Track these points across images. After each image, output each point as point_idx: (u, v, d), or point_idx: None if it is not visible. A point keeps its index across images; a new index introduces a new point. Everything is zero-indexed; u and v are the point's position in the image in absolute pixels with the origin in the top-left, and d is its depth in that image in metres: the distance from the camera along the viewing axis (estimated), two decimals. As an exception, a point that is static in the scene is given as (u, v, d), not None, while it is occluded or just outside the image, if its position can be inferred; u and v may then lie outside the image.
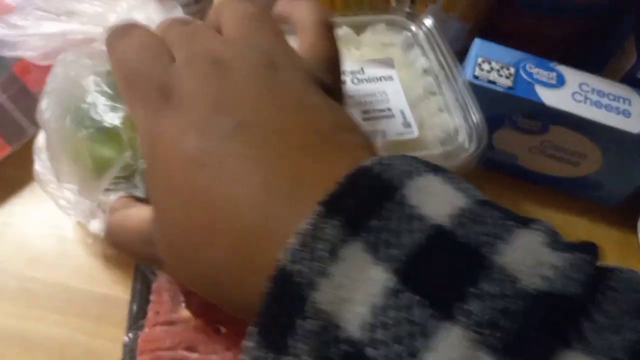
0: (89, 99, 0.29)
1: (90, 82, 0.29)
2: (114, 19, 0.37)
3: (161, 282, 0.35)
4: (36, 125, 0.40)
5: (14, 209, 0.40)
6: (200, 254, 0.20)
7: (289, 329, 0.16)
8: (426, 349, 0.14)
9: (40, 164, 0.35)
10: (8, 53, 0.39)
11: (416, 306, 0.15)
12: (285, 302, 0.16)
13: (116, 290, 0.37)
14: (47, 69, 0.42)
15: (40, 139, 0.35)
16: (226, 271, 0.19)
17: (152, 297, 0.35)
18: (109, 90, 0.29)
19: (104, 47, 0.27)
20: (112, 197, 0.31)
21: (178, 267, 0.22)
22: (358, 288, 0.16)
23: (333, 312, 0.16)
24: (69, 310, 0.37)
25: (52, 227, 0.39)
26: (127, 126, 0.29)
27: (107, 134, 0.29)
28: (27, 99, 0.42)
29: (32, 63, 0.41)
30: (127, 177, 0.30)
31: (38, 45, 0.38)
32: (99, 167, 0.29)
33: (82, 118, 0.29)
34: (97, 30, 0.37)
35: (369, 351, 0.15)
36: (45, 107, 0.30)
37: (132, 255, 0.29)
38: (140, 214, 0.25)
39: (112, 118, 0.28)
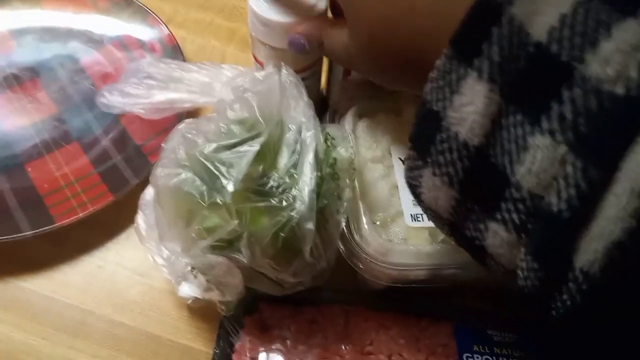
0: (205, 174, 0.31)
1: (208, 155, 0.31)
2: (219, 87, 0.39)
3: (243, 343, 0.36)
4: (139, 178, 0.43)
5: (109, 254, 0.42)
6: (402, 23, 0.26)
7: (485, 34, 0.21)
8: (606, 37, 0.18)
9: (144, 219, 0.37)
10: (119, 112, 0.43)
11: (601, 9, 0.19)
12: (485, 14, 0.21)
13: (198, 344, 0.39)
14: (149, 123, 0.45)
15: (147, 195, 0.38)
16: (427, 25, 0.25)
17: (234, 357, 0.35)
18: (221, 169, 0.30)
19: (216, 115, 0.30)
20: (212, 259, 0.32)
21: (376, 53, 0.28)
22: (548, 2, 0.20)
23: (524, 22, 0.20)
24: (153, 359, 0.38)
25: (142, 276, 0.41)
26: (235, 200, 0.30)
27: (218, 205, 0.30)
28: (130, 149, 0.46)
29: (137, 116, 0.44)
30: (231, 241, 0.31)
31: (147, 107, 0.41)
32: (207, 232, 0.31)
33: (198, 188, 0.31)
34: (204, 99, 0.39)
35: (553, 48, 0.19)
36: (162, 172, 0.32)
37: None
38: (339, 33, 0.32)
39: (224, 194, 0.30)
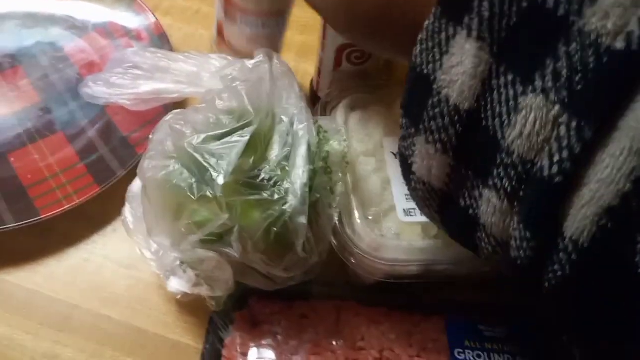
0: (194, 167, 0.30)
1: (197, 146, 0.30)
2: (207, 77, 0.38)
3: (233, 338, 0.35)
4: (125, 169, 0.42)
5: (96, 247, 0.42)
6: None
7: None
8: None
9: (131, 212, 0.36)
10: (104, 103, 0.42)
11: None
12: None
13: (187, 339, 0.38)
14: (136, 114, 0.44)
15: (134, 187, 0.37)
16: None
17: (224, 352, 0.35)
18: (210, 161, 0.30)
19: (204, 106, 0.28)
20: (202, 254, 0.32)
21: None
22: None
23: None
24: (140, 353, 0.37)
25: (130, 269, 0.41)
26: (226, 193, 0.29)
27: (208, 199, 0.30)
28: (116, 140, 0.45)
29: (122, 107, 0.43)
30: (221, 235, 0.31)
31: (132, 98, 0.40)
32: (197, 226, 0.30)
33: (187, 181, 0.30)
34: (191, 90, 0.38)
35: (550, 2, 0.19)
36: (149, 164, 0.31)
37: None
38: None
39: (214, 187, 0.29)
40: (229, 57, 0.40)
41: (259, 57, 0.35)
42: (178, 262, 0.34)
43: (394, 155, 0.37)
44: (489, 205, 0.22)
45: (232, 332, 0.35)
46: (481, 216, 0.23)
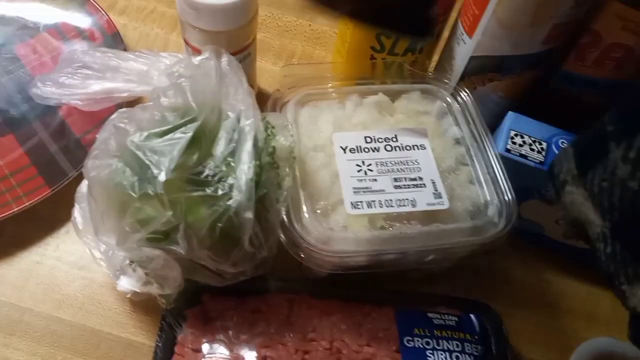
0: (136, 165, 0.30)
1: (139, 144, 0.30)
2: (156, 76, 0.38)
3: (186, 335, 0.35)
4: (77, 170, 0.42)
5: (48, 248, 0.41)
6: None
7: None
8: None
9: (80, 213, 0.36)
10: (55, 104, 0.41)
11: None
12: None
13: (141, 337, 0.38)
14: (89, 114, 0.44)
15: (83, 188, 0.37)
16: None
17: (176, 349, 0.35)
18: (152, 158, 0.30)
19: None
20: (148, 252, 0.32)
21: None
22: None
23: None
24: (94, 354, 0.37)
25: (82, 270, 0.40)
26: (168, 190, 0.30)
27: (150, 196, 0.29)
28: (68, 141, 0.44)
29: (75, 107, 0.42)
30: (167, 233, 0.31)
31: (84, 98, 0.40)
32: (141, 224, 0.30)
33: (129, 179, 0.30)
34: (141, 88, 0.38)
35: None
36: (93, 164, 0.31)
37: None
38: None
39: (155, 185, 0.29)
40: (180, 55, 0.40)
41: (206, 54, 0.36)
42: (127, 261, 0.34)
43: (343, 150, 0.37)
44: None
45: (184, 329, 0.36)
46: None
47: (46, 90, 0.40)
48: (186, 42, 0.42)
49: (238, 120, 0.34)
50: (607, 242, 0.24)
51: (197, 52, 0.42)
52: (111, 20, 0.50)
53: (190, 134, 0.31)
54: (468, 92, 0.41)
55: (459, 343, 0.35)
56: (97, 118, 0.44)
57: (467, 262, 0.39)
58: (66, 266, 0.40)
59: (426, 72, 0.42)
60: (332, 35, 0.55)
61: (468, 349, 0.35)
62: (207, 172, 0.31)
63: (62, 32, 0.50)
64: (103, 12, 0.50)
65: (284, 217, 0.34)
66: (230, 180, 0.31)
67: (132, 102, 0.43)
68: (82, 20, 0.50)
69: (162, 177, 0.29)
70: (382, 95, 0.40)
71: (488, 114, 0.41)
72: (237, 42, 0.42)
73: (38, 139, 0.44)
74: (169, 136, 0.31)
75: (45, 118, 0.45)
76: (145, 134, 0.31)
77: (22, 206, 0.40)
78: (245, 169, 0.31)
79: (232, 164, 0.32)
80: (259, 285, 0.37)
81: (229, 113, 0.34)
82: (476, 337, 0.36)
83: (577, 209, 0.25)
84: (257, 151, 0.33)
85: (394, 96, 0.41)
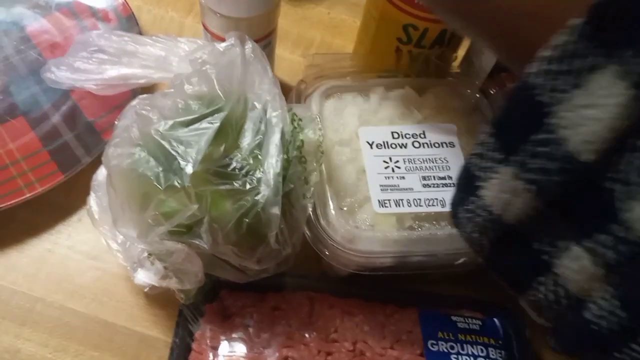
0: (161, 155, 0.29)
1: (164, 133, 0.29)
2: (175, 62, 0.37)
3: (203, 331, 0.34)
4: (91, 156, 0.41)
5: (60, 237, 0.40)
6: None
7: None
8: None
9: (96, 201, 0.35)
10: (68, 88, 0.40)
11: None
12: None
13: (156, 331, 0.37)
14: (102, 98, 0.42)
15: (100, 176, 0.35)
16: None
17: (193, 346, 0.34)
18: (178, 149, 0.28)
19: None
20: (170, 245, 0.31)
21: None
22: None
23: None
24: (107, 347, 0.36)
25: (95, 260, 0.39)
26: (195, 183, 0.28)
27: (176, 189, 0.28)
28: (81, 125, 0.43)
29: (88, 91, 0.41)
30: (190, 226, 0.30)
31: (99, 83, 0.38)
32: (165, 217, 0.29)
33: (153, 170, 0.29)
34: (159, 75, 0.36)
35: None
36: (114, 152, 0.30)
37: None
38: None
39: (182, 177, 0.28)
40: (199, 40, 0.38)
41: (231, 41, 0.34)
42: (145, 254, 0.33)
43: (369, 145, 0.36)
44: (576, 263, 0.19)
45: (202, 325, 0.35)
46: (559, 267, 0.20)
47: (60, 75, 0.39)
48: (205, 28, 0.41)
49: (264, 111, 0.32)
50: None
51: (217, 38, 0.40)
52: (126, 2, 0.48)
53: (217, 124, 0.30)
54: (497, 88, 0.39)
55: (483, 348, 0.34)
56: (111, 103, 0.43)
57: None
58: (79, 255, 0.39)
59: (451, 66, 0.41)
60: (352, 25, 0.53)
61: (492, 355, 0.34)
62: (234, 164, 0.30)
63: (75, 11, 0.48)
64: (118, -8, 0.49)
65: (310, 213, 0.33)
66: (257, 174, 0.30)
67: (148, 88, 0.42)
68: (96, 0, 0.48)
69: (189, 169, 0.28)
70: (408, 89, 0.39)
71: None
72: (259, 29, 0.40)
73: (50, 123, 0.43)
74: (195, 126, 0.30)
75: (57, 101, 0.44)
76: (170, 122, 0.30)
77: (35, 192, 0.39)
78: (273, 162, 0.30)
79: (260, 157, 0.30)
80: (277, 282, 0.36)
81: (255, 103, 0.32)
82: (500, 341, 0.35)
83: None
84: (285, 144, 0.31)
85: (420, 90, 0.40)
